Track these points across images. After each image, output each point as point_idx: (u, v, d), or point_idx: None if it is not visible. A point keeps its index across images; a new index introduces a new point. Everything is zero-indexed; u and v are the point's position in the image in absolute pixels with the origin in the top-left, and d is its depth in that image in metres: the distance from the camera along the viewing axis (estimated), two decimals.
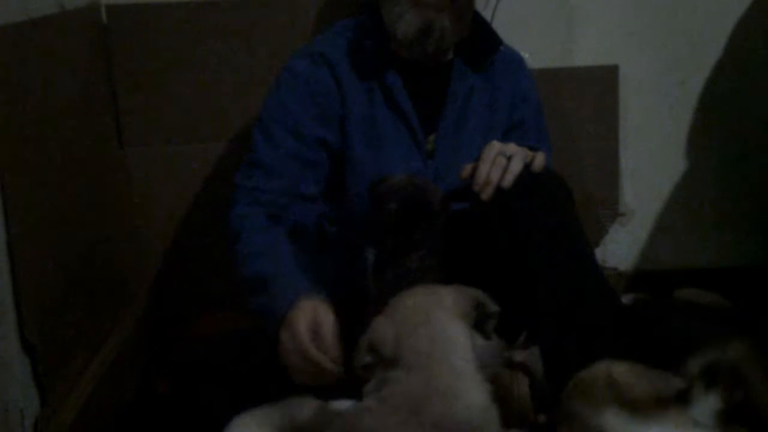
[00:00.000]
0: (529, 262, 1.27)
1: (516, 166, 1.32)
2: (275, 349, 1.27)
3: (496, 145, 1.34)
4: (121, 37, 1.79)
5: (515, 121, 1.58)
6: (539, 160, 1.34)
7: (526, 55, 1.64)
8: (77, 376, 1.44)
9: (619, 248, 2.01)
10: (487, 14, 1.68)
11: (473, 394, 1.07)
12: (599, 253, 1.98)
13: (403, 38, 1.45)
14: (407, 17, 1.44)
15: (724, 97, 1.93)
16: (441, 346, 1.10)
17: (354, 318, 1.24)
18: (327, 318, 1.24)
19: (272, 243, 1.39)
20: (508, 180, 1.31)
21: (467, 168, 1.36)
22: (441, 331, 1.11)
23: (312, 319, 1.24)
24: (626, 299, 1.91)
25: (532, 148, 1.37)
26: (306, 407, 1.22)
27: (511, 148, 1.34)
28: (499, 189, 1.31)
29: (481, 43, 1.54)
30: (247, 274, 1.36)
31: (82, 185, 1.56)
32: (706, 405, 1.10)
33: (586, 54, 1.90)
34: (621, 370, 1.12)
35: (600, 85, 1.90)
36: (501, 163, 1.32)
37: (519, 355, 1.54)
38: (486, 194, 1.32)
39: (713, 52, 1.91)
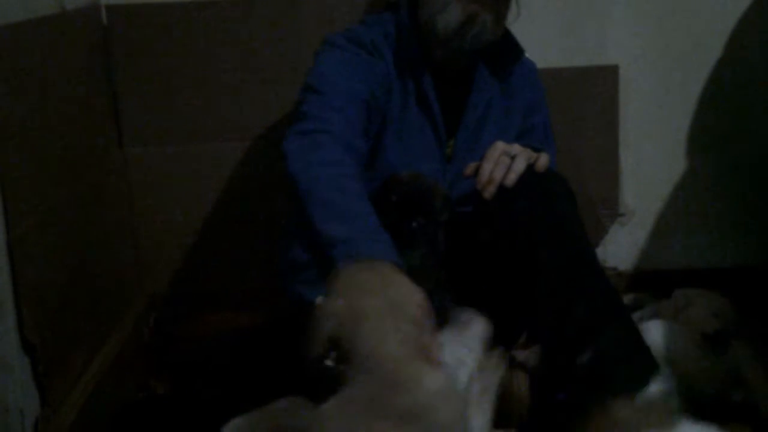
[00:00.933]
0: (530, 261, 1.27)
1: (519, 165, 1.32)
2: (274, 350, 1.26)
3: (500, 145, 1.35)
4: (121, 37, 1.79)
5: (526, 128, 1.59)
6: (543, 160, 1.34)
7: (526, 55, 1.64)
8: (77, 376, 1.43)
9: (619, 248, 2.01)
10: None
11: (430, 379, 1.05)
12: (599, 253, 1.97)
13: (444, 30, 1.45)
14: (451, 8, 1.43)
15: (724, 97, 1.93)
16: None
17: None
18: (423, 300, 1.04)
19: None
20: (511, 179, 1.31)
21: (471, 166, 1.36)
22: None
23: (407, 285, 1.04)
24: (626, 299, 1.91)
25: (536, 149, 1.38)
26: (294, 410, 1.21)
27: (515, 148, 1.35)
28: (501, 188, 1.32)
29: (505, 52, 1.55)
30: (339, 204, 1.15)
31: (82, 186, 1.55)
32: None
33: (586, 54, 1.90)
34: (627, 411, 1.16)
35: (600, 85, 1.90)
36: (504, 162, 1.32)
37: (519, 355, 1.54)
38: (488, 192, 1.32)
39: (713, 52, 1.91)
